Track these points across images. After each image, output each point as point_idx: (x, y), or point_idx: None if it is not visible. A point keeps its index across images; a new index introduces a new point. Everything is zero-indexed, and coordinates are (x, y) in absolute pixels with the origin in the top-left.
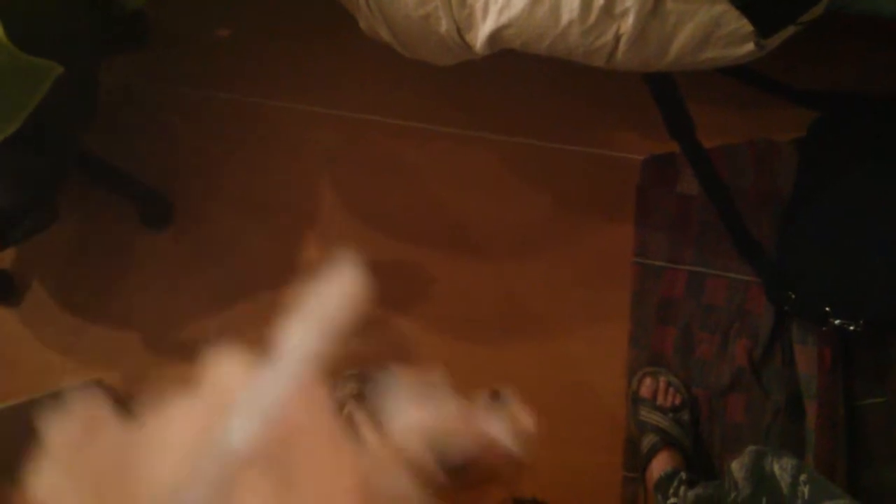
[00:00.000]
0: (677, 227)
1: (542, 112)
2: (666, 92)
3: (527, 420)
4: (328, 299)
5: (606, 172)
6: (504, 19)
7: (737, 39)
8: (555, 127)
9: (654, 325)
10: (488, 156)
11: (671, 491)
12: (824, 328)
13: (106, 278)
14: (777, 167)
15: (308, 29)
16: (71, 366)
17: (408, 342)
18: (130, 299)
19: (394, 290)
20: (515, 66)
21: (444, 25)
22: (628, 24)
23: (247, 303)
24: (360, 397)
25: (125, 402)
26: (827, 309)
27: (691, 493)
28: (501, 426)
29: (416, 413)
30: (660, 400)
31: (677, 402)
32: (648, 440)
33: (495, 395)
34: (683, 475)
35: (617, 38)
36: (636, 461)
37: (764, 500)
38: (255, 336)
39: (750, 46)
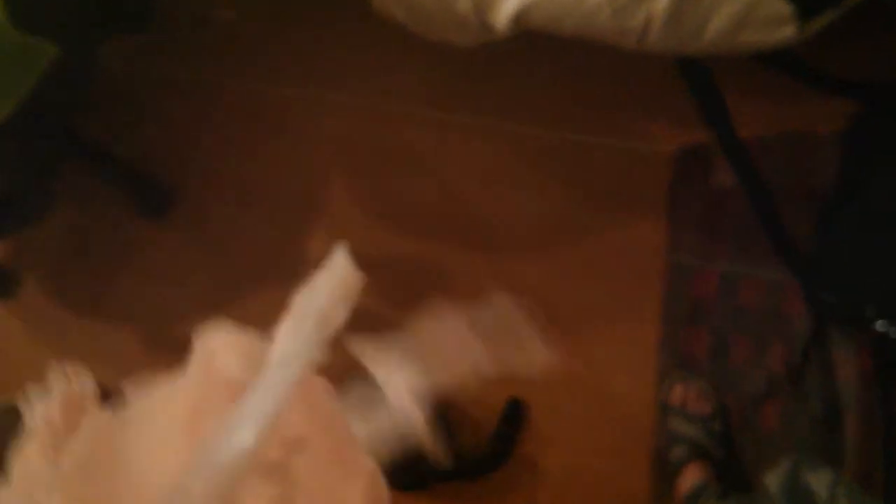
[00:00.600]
0: (710, 223)
1: (565, 100)
2: (701, 79)
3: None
4: (322, 298)
5: (634, 165)
6: None
7: (776, 22)
8: (580, 116)
9: (684, 328)
10: (507, 146)
11: None
12: (865, 333)
13: (102, 271)
14: (817, 161)
15: (316, 10)
16: (65, 361)
17: None
18: (127, 293)
19: (406, 288)
20: (537, 50)
21: (462, 4)
22: (663, 2)
23: (249, 297)
24: None
25: (115, 396)
26: (869, 312)
27: None
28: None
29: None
30: (690, 408)
31: (708, 410)
32: (677, 451)
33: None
34: (714, 488)
35: (650, 18)
36: (664, 473)
37: None
38: (258, 332)
39: (789, 30)
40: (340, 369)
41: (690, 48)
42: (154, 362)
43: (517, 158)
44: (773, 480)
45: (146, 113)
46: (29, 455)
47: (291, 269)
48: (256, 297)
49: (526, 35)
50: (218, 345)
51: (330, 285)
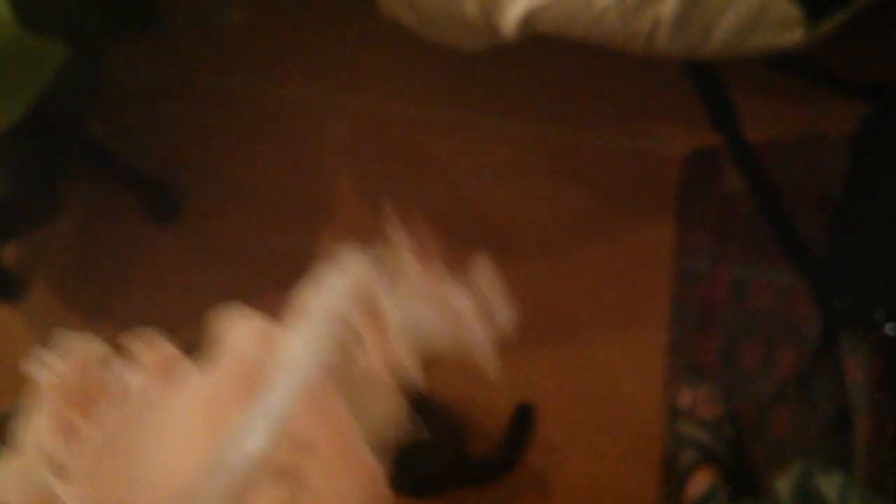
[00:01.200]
0: (720, 227)
1: (574, 103)
2: (709, 82)
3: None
4: (336, 299)
5: (644, 167)
6: (536, 2)
7: (785, 25)
8: (589, 118)
9: (694, 332)
10: (516, 148)
11: None
12: (876, 337)
13: (110, 275)
14: (827, 164)
15: (325, 12)
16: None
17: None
18: (135, 297)
19: None
20: (546, 53)
21: (470, 8)
22: (670, 6)
23: (257, 301)
24: None
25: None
26: (879, 315)
27: None
28: (475, 308)
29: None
30: (699, 412)
31: (718, 414)
32: (687, 456)
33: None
34: (724, 493)
35: (657, 22)
36: (673, 478)
37: None
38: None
39: (798, 33)
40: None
41: (699, 52)
42: None
43: (527, 160)
44: (783, 485)
45: (154, 116)
46: (39, 423)
47: (300, 273)
48: (265, 301)
49: (537, 37)
50: (237, 330)
51: (343, 286)
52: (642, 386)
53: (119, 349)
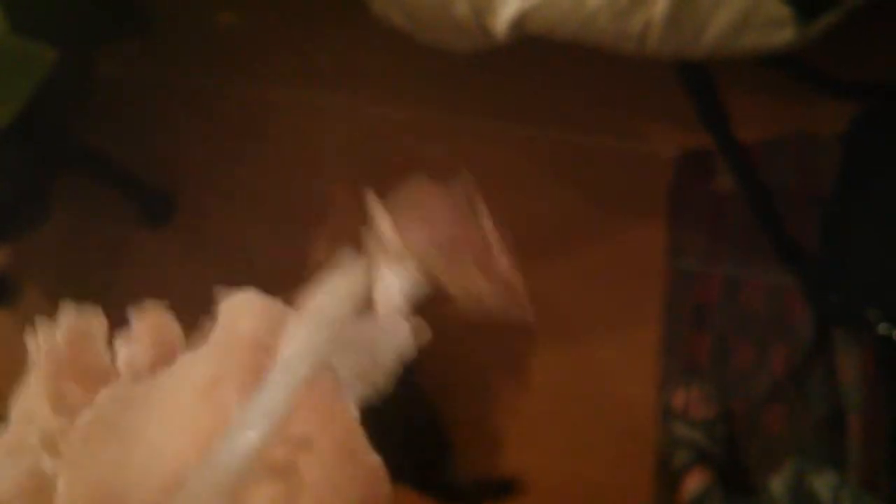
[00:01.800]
0: (712, 227)
1: (566, 103)
2: (700, 83)
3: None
4: (336, 303)
5: (636, 168)
6: (528, 3)
7: (775, 25)
8: (581, 119)
9: (687, 332)
10: (509, 149)
11: None
12: (868, 336)
13: (103, 279)
14: (819, 163)
15: (317, 14)
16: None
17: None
18: (128, 300)
19: None
20: (538, 54)
21: (462, 9)
22: (661, 7)
23: None
24: None
25: None
26: (872, 314)
27: None
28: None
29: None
30: (692, 412)
31: (711, 414)
32: (680, 455)
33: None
34: (718, 493)
35: (649, 23)
36: (667, 478)
37: None
38: None
39: (789, 33)
40: None
41: (690, 52)
42: None
43: (518, 162)
44: (777, 484)
45: (146, 119)
46: (31, 394)
47: (294, 276)
48: None
49: (529, 38)
50: (240, 309)
51: (343, 290)
52: (636, 386)
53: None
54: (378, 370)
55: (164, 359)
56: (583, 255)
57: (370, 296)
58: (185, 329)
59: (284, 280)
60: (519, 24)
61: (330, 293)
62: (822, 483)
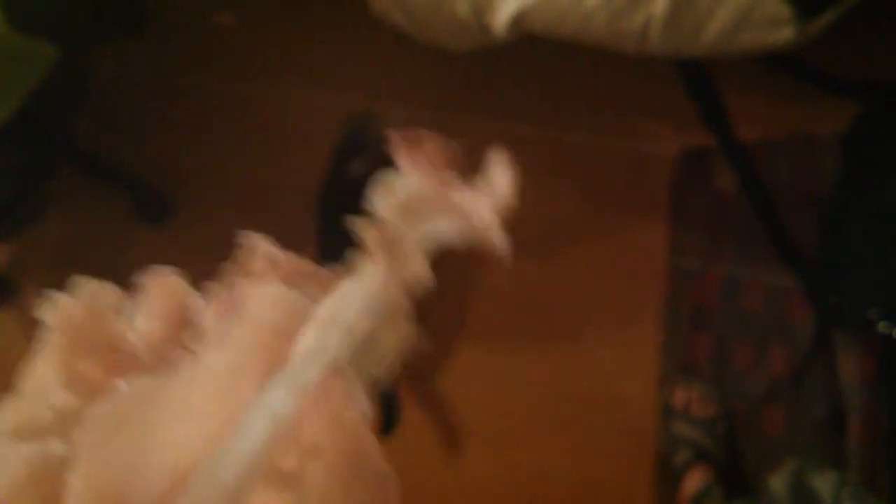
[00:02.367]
0: (712, 226)
1: (566, 103)
2: (700, 82)
3: (507, 188)
4: (351, 305)
5: (636, 167)
6: (527, 1)
7: (775, 23)
8: (581, 118)
9: (686, 332)
10: (509, 148)
11: None
12: (868, 335)
13: (100, 276)
14: (819, 163)
15: (315, 12)
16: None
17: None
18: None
19: None
20: (538, 53)
21: (461, 8)
22: (661, 5)
23: None
24: None
25: None
26: (872, 314)
27: None
28: (481, 201)
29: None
30: (693, 411)
31: (711, 413)
32: (681, 455)
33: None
34: (718, 492)
35: (648, 21)
36: (667, 477)
37: None
38: None
39: (789, 31)
40: None
41: (690, 50)
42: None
43: (519, 161)
44: (777, 483)
45: (145, 118)
46: (41, 371)
47: None
48: None
49: (528, 37)
50: (264, 301)
51: (361, 296)
52: (636, 385)
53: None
54: (378, 363)
55: (179, 328)
56: (583, 255)
57: (386, 304)
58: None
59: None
60: (518, 22)
61: (348, 302)
62: (823, 482)
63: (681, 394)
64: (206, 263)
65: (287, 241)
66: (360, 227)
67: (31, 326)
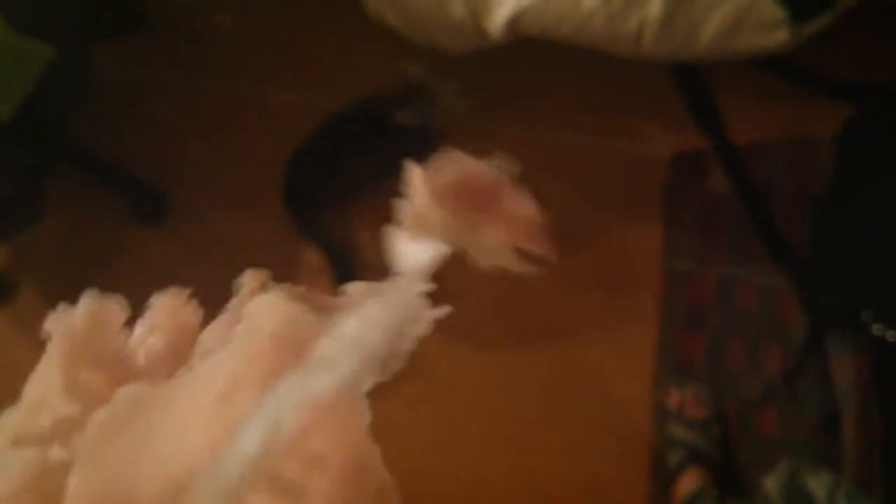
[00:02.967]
0: (706, 228)
1: (561, 105)
2: (694, 85)
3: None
4: (378, 326)
5: (631, 168)
6: (523, 3)
7: (770, 26)
8: (575, 120)
9: (681, 333)
10: (503, 149)
11: None
12: (862, 337)
13: (99, 278)
14: (812, 164)
15: (312, 14)
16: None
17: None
18: (125, 298)
19: None
20: (534, 55)
21: (457, 10)
22: (656, 8)
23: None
24: None
25: None
26: (865, 316)
27: None
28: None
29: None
30: (687, 413)
31: (705, 414)
32: (675, 455)
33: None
34: (712, 493)
35: (643, 24)
36: (662, 478)
37: None
38: None
39: (783, 34)
40: None
41: (685, 54)
42: None
43: (514, 162)
44: (771, 484)
45: (141, 118)
46: (43, 381)
47: (290, 273)
48: None
49: (524, 39)
50: (266, 311)
51: (390, 321)
52: (630, 386)
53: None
54: (392, 354)
55: (180, 345)
56: (577, 256)
57: (405, 327)
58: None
59: (281, 276)
60: (514, 24)
61: (369, 322)
62: (818, 483)
63: (675, 395)
64: (202, 262)
65: (284, 239)
66: (398, 205)
67: (28, 326)
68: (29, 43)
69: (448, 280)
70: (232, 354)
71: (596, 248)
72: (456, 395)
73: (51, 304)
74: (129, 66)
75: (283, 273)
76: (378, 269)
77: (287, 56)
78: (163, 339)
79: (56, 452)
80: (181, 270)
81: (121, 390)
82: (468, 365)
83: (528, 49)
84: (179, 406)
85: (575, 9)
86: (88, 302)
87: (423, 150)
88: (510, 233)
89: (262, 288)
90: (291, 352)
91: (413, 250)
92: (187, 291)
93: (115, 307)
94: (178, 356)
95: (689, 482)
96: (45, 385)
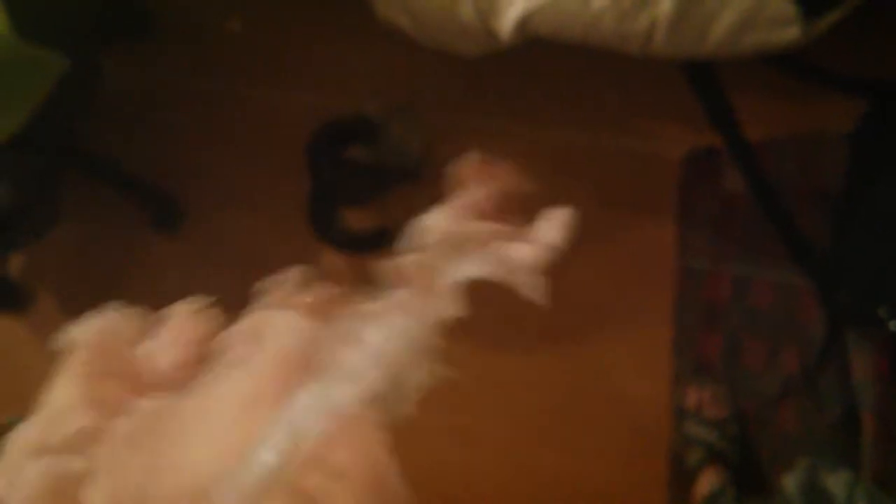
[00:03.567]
0: (721, 226)
1: (573, 104)
2: (706, 83)
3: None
4: (398, 343)
5: (645, 167)
6: (532, 4)
7: (781, 23)
8: (588, 120)
9: (698, 332)
10: (517, 149)
11: None
12: (881, 334)
13: (114, 283)
14: (827, 161)
15: (322, 17)
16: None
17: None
18: (139, 302)
19: None
20: (544, 55)
21: (467, 12)
22: (666, 6)
23: None
24: None
25: None
26: (883, 313)
27: None
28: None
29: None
30: (705, 412)
31: (724, 413)
32: (694, 455)
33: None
34: (731, 493)
35: (654, 23)
36: (680, 478)
37: None
38: None
39: (795, 31)
40: None
41: (696, 52)
42: None
43: (527, 161)
44: (790, 482)
45: (154, 124)
46: (62, 393)
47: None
48: None
49: (535, 40)
50: (282, 329)
51: (408, 337)
52: (647, 385)
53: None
54: (408, 385)
55: (197, 355)
56: (592, 255)
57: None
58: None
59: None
60: (524, 26)
61: (395, 334)
62: (836, 481)
63: (693, 394)
64: (217, 266)
65: (297, 243)
66: (402, 257)
67: (45, 333)
68: (41, 53)
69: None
70: (250, 371)
71: (610, 247)
72: (471, 397)
73: (66, 311)
74: (142, 73)
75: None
76: None
77: (298, 59)
78: (181, 350)
79: (75, 462)
80: (196, 275)
81: (142, 402)
82: (483, 366)
83: (539, 49)
84: (199, 419)
85: (585, 9)
86: (107, 314)
87: (377, 186)
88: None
89: (293, 291)
90: (307, 368)
91: (440, 266)
92: (206, 300)
93: (133, 319)
94: (195, 366)
95: (707, 481)
96: (64, 396)
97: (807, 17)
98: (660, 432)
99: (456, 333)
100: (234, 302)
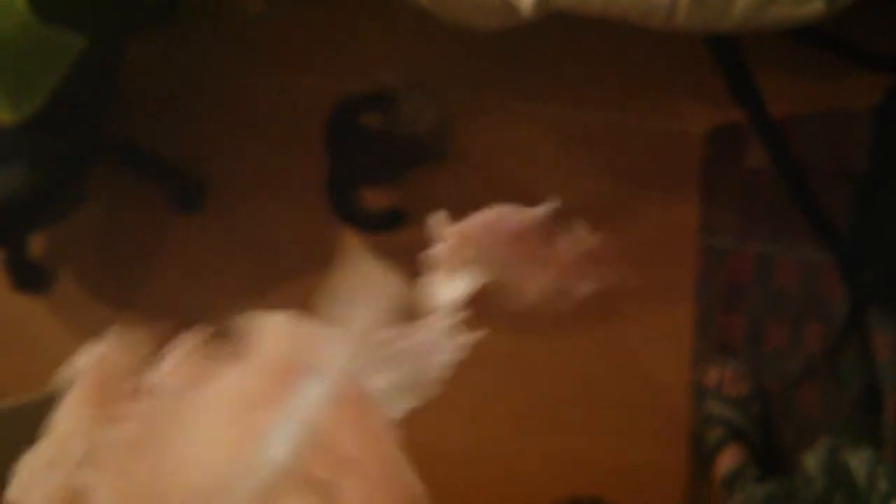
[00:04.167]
0: (744, 204)
1: (594, 82)
2: (731, 57)
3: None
4: (374, 315)
5: (668, 145)
6: None
7: None
8: (612, 96)
9: (720, 310)
10: (540, 128)
11: (739, 487)
12: None
13: (136, 265)
14: (852, 138)
15: (346, 2)
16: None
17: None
18: (162, 286)
19: None
20: (565, 31)
21: None
22: None
23: (284, 290)
24: None
25: None
26: None
27: (760, 490)
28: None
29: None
30: (726, 390)
31: (745, 392)
32: (714, 433)
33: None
34: (752, 471)
35: None
36: (701, 456)
37: (838, 495)
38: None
39: (819, 4)
40: None
41: (719, 26)
42: None
43: (550, 140)
44: (811, 461)
45: (178, 106)
46: (72, 411)
47: (326, 258)
48: (292, 288)
49: (555, 15)
50: (276, 332)
51: (379, 306)
52: (669, 365)
53: (158, 344)
54: (423, 380)
55: (200, 378)
56: (614, 234)
57: (413, 306)
58: (217, 317)
59: (316, 261)
60: (544, 0)
61: (366, 308)
62: (858, 460)
63: (714, 373)
64: (239, 250)
65: (318, 226)
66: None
67: (66, 315)
68: (57, 34)
69: None
70: (247, 373)
71: (631, 226)
72: (491, 378)
73: (88, 292)
74: (165, 55)
75: (320, 258)
76: None
77: (321, 40)
78: (183, 378)
79: (86, 473)
80: (218, 257)
81: (142, 405)
82: (503, 347)
83: (559, 24)
84: (197, 421)
85: None
86: (114, 337)
87: (398, 164)
88: (559, 272)
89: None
90: (301, 372)
91: (446, 285)
92: (208, 330)
93: (140, 342)
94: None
95: (728, 460)
96: (74, 417)
97: None
98: (681, 411)
99: (475, 317)
100: (255, 284)
